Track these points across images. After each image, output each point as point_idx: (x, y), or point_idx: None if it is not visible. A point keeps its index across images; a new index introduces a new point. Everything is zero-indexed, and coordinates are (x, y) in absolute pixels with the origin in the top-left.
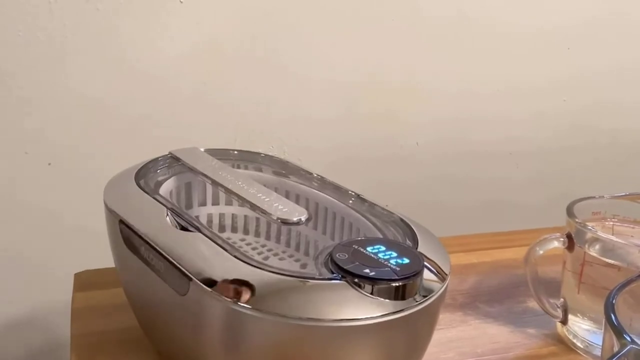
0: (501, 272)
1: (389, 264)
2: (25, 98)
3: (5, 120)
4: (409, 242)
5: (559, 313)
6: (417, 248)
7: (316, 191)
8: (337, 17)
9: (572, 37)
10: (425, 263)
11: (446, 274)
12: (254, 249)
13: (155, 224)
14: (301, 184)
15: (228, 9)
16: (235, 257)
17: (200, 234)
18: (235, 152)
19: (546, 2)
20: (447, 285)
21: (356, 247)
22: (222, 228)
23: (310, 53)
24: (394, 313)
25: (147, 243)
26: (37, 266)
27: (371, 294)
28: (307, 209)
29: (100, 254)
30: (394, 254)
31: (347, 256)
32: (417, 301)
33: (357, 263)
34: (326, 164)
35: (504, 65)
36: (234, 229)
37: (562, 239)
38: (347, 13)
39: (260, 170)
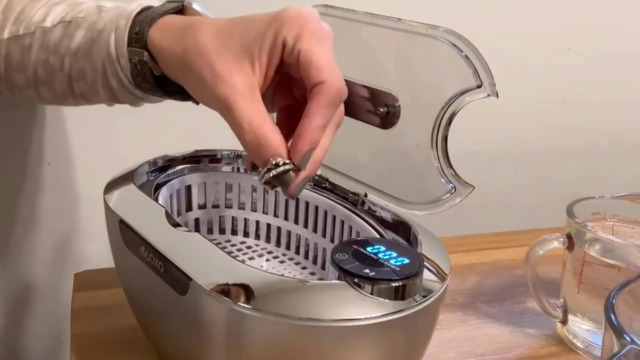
0: (501, 272)
1: (389, 264)
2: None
3: (6, 120)
4: (409, 243)
5: (559, 313)
6: (417, 248)
7: (315, 193)
8: None
9: (572, 37)
10: (425, 263)
11: (446, 274)
12: (254, 251)
13: (155, 224)
14: None
15: (233, 7)
16: (235, 257)
17: (199, 234)
18: (236, 152)
19: (547, 2)
20: (446, 286)
21: (356, 247)
22: (222, 230)
23: None
24: (394, 313)
25: (147, 243)
26: (38, 266)
27: (371, 294)
28: (306, 211)
29: (100, 254)
30: (394, 254)
31: (347, 256)
32: (417, 301)
33: (357, 263)
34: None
35: (503, 64)
36: (234, 232)
37: (562, 239)
38: None
39: None
